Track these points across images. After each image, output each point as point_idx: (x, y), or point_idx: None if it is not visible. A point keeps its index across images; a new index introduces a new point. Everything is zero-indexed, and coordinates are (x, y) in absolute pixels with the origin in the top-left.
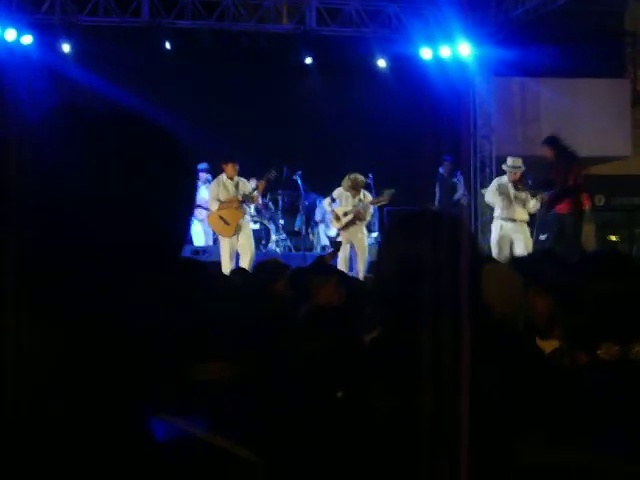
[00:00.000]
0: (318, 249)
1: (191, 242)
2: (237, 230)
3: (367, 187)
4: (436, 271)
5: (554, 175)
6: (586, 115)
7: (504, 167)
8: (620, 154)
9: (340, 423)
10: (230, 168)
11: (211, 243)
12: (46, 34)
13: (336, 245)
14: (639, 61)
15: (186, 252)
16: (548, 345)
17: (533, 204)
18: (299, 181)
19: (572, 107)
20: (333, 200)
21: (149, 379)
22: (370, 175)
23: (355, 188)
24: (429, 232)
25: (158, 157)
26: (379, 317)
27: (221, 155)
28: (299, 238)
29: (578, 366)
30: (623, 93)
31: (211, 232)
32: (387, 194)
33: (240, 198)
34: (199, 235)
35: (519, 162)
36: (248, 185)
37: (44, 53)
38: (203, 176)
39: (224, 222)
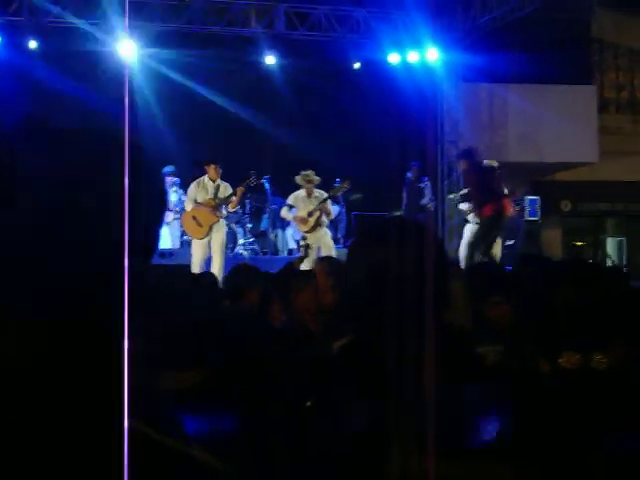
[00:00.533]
0: (285, 252)
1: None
2: (209, 233)
3: (332, 192)
4: (404, 279)
5: (466, 186)
6: (553, 121)
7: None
8: (587, 160)
9: (309, 431)
10: (212, 170)
11: (178, 246)
12: (14, 35)
13: (304, 249)
14: (605, 68)
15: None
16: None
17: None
18: (266, 185)
19: (539, 113)
20: (290, 207)
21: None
22: (338, 180)
23: (310, 182)
24: (397, 240)
25: (124, 166)
26: (348, 324)
27: (195, 156)
28: (266, 241)
29: (540, 374)
30: (590, 100)
31: (178, 235)
32: (341, 185)
33: (217, 202)
34: (165, 237)
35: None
36: (229, 189)
37: (13, 54)
38: (170, 179)
39: (197, 223)
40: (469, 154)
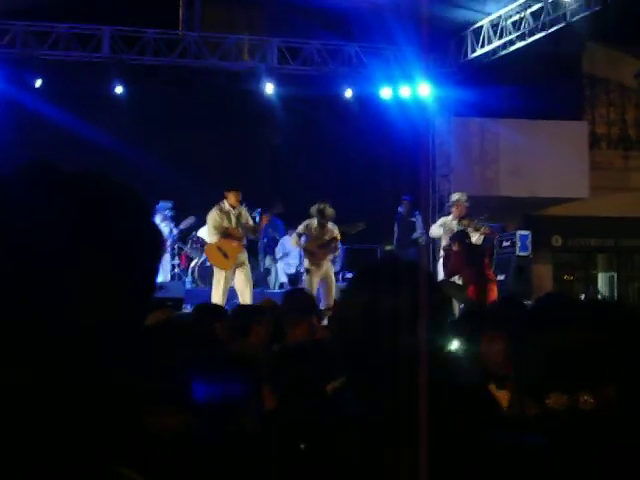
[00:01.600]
0: (276, 286)
1: None
2: (235, 264)
3: (347, 233)
4: (399, 321)
5: (455, 266)
6: (544, 156)
7: (447, 204)
8: (577, 195)
9: (303, 476)
10: (233, 196)
11: (169, 279)
12: (7, 68)
13: (294, 282)
14: (597, 103)
15: None
16: (502, 395)
17: (476, 238)
18: (257, 218)
19: (530, 148)
20: (299, 235)
21: (108, 429)
22: (354, 223)
23: (323, 216)
24: (393, 282)
25: (123, 216)
26: (341, 366)
27: (189, 187)
28: (257, 274)
29: (527, 417)
30: (581, 135)
31: (169, 268)
32: (358, 225)
33: (241, 231)
34: None
35: (461, 196)
36: (249, 217)
37: (5, 87)
38: (162, 214)
39: (223, 254)
40: (461, 237)
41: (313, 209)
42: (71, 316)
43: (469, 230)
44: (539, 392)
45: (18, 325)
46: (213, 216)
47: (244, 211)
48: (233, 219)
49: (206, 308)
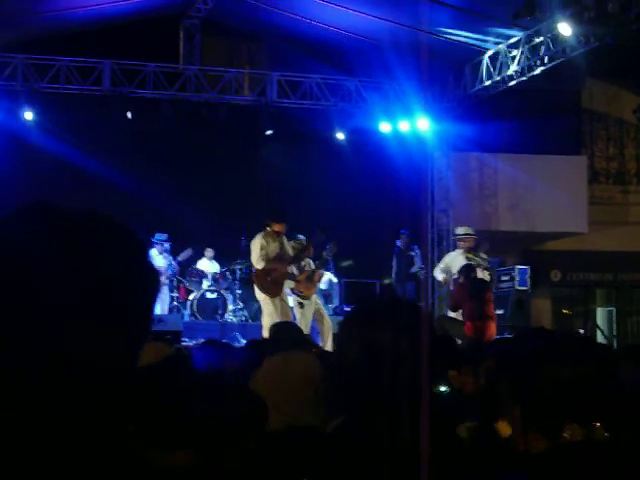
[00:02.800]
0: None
1: None
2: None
3: (324, 258)
4: (398, 358)
5: (458, 300)
6: (543, 191)
7: (453, 238)
8: (576, 230)
9: None
10: (279, 226)
11: (166, 312)
12: (7, 100)
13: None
14: (596, 138)
15: None
16: (503, 428)
17: (482, 276)
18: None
19: (529, 183)
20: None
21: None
22: (327, 247)
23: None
24: (390, 319)
25: (120, 256)
26: (342, 404)
27: (185, 220)
28: (255, 307)
29: (536, 451)
30: (580, 170)
31: (168, 300)
32: (330, 248)
33: (289, 259)
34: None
35: (467, 230)
36: (289, 247)
37: (6, 119)
38: (160, 247)
39: (273, 281)
40: (467, 270)
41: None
42: (67, 352)
43: (474, 264)
44: (553, 426)
45: (18, 358)
46: (258, 242)
47: (285, 241)
48: (276, 247)
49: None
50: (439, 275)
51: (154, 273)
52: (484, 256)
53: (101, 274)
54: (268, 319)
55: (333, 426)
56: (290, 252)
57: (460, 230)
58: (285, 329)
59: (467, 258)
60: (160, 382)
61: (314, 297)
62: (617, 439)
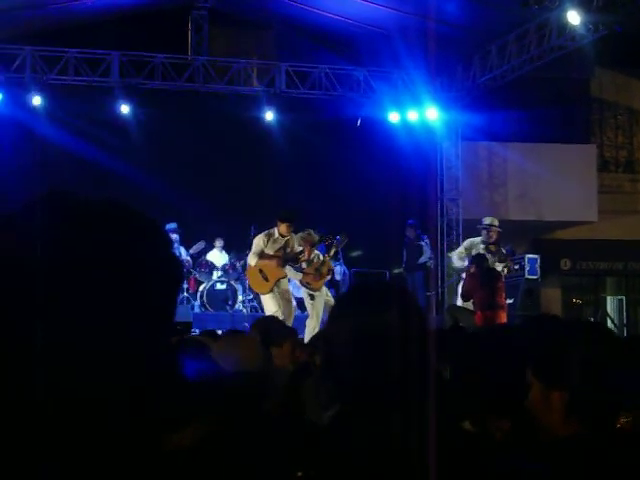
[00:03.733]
0: None
1: None
2: (274, 287)
3: (334, 249)
4: (391, 345)
5: (469, 289)
6: (553, 180)
7: (479, 226)
8: (586, 219)
9: None
10: (285, 227)
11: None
12: (16, 92)
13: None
14: (605, 127)
15: None
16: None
17: (500, 269)
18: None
19: (539, 172)
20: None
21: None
22: (337, 237)
23: (308, 243)
24: (379, 304)
25: (143, 245)
26: (336, 394)
27: (194, 212)
28: None
29: (575, 439)
30: (589, 158)
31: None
32: (341, 239)
33: (285, 256)
34: None
35: (493, 220)
36: (297, 247)
37: (15, 110)
38: (171, 236)
39: (263, 277)
40: (479, 260)
41: (297, 238)
42: (88, 345)
43: (493, 260)
44: (607, 416)
45: (38, 351)
46: (257, 241)
47: (292, 239)
48: (280, 245)
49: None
50: (457, 261)
51: (176, 264)
52: (504, 251)
53: (122, 264)
54: (269, 313)
55: (328, 416)
56: (296, 250)
57: (486, 220)
58: (265, 322)
59: (487, 249)
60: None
61: (324, 289)
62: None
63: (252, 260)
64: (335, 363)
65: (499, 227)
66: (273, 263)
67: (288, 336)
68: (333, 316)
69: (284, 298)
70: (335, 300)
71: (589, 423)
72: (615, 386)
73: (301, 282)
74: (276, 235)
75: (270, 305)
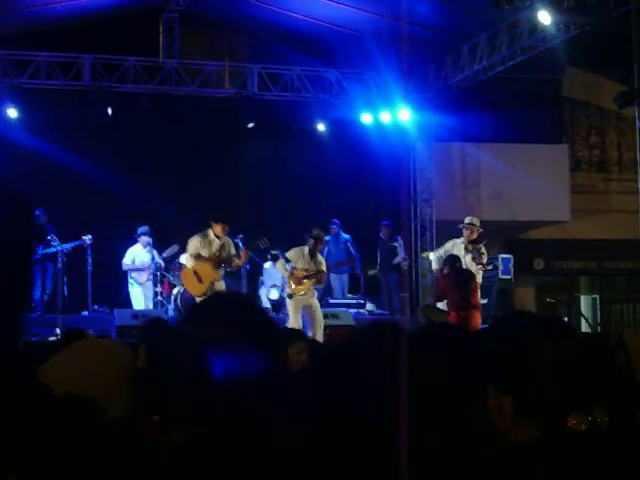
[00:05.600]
0: None
1: (130, 306)
2: (210, 290)
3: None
4: (233, 354)
5: (443, 290)
6: (525, 180)
7: (460, 226)
8: (559, 219)
9: None
10: (219, 228)
11: (151, 306)
12: None
13: (277, 308)
14: (577, 126)
15: (126, 316)
16: None
17: (475, 269)
18: (240, 244)
19: (511, 172)
20: (287, 261)
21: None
22: (311, 240)
23: (318, 243)
24: (219, 314)
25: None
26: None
27: (167, 215)
28: None
29: (527, 442)
30: (562, 158)
31: (152, 295)
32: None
33: (220, 258)
34: (138, 298)
35: (472, 220)
36: (233, 248)
37: None
38: (144, 239)
39: (197, 279)
40: (452, 261)
41: (314, 233)
42: None
43: (470, 259)
44: (556, 414)
45: None
46: (193, 242)
47: (228, 242)
48: (215, 247)
49: None
50: (435, 263)
51: (28, 233)
52: (483, 250)
53: None
54: None
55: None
56: (232, 252)
57: (466, 219)
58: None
59: (466, 249)
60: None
61: (310, 293)
62: (617, 427)
63: (188, 261)
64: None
65: (477, 226)
66: (208, 265)
67: None
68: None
69: None
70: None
71: (539, 427)
72: (567, 387)
73: (291, 276)
74: (211, 236)
75: None
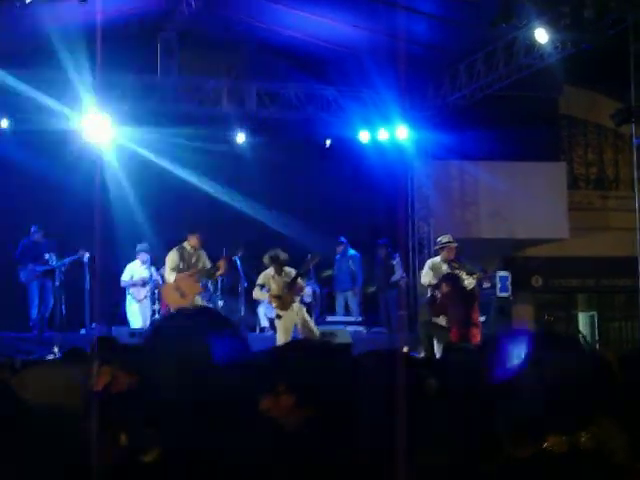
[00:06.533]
0: (257, 330)
1: (128, 324)
2: (193, 304)
3: (305, 267)
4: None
5: (442, 306)
6: (523, 198)
7: (436, 247)
8: (557, 236)
9: None
10: (194, 239)
11: (148, 324)
12: None
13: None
14: (575, 144)
15: (123, 334)
16: None
17: (468, 282)
18: (238, 263)
19: (509, 190)
20: (262, 287)
21: None
22: (308, 256)
23: (277, 262)
24: (199, 329)
25: None
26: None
27: (166, 234)
28: (237, 318)
29: (517, 460)
30: (559, 176)
31: (149, 313)
32: (311, 258)
33: (198, 272)
34: (136, 315)
35: (450, 238)
36: (207, 261)
37: None
38: (143, 256)
39: (180, 294)
40: (451, 279)
41: (265, 258)
42: None
43: (461, 274)
44: (537, 434)
45: None
46: (171, 256)
47: (203, 255)
48: (193, 260)
49: None
50: (425, 278)
51: None
52: (469, 265)
53: None
54: None
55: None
56: (207, 265)
57: (443, 239)
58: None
59: (452, 267)
60: None
61: (296, 307)
62: (603, 448)
63: (170, 276)
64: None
65: (453, 242)
66: (190, 279)
67: None
68: (150, 344)
69: None
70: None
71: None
72: (548, 408)
73: (268, 302)
74: (188, 248)
75: None
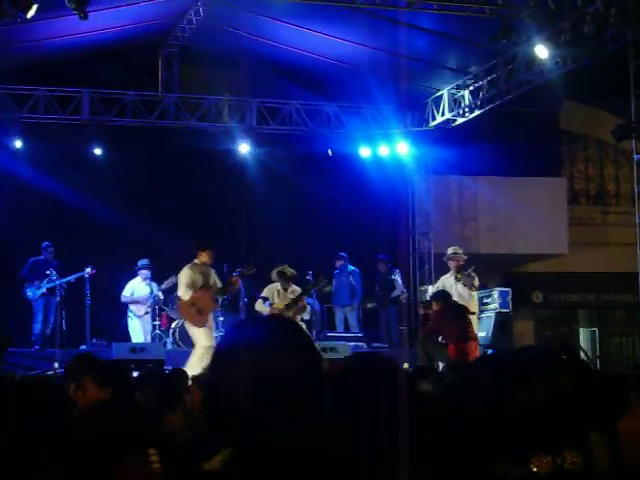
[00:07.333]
0: None
1: (129, 339)
2: (208, 320)
3: (310, 287)
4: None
5: (437, 326)
6: (523, 213)
7: (445, 259)
8: (557, 251)
9: None
10: (206, 255)
11: (149, 340)
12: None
13: None
14: (575, 160)
15: (123, 349)
16: None
17: (468, 295)
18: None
19: (509, 205)
20: (265, 300)
21: None
22: (310, 272)
23: (284, 278)
24: (290, 344)
25: None
26: (222, 440)
27: (165, 248)
28: None
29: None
30: (559, 191)
31: (150, 329)
32: (319, 279)
33: (215, 290)
34: (137, 331)
35: (458, 249)
36: (216, 277)
37: None
38: (144, 273)
39: (197, 311)
40: (443, 296)
41: (273, 273)
42: None
43: (461, 284)
44: (522, 454)
45: None
46: (186, 273)
47: (213, 272)
48: (204, 277)
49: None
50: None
51: None
52: (473, 274)
53: None
54: (201, 346)
55: (219, 462)
56: (217, 282)
57: (449, 250)
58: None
59: (456, 278)
60: None
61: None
62: (591, 468)
63: (186, 294)
64: (224, 406)
65: (461, 253)
66: (206, 296)
67: None
68: (229, 355)
69: (212, 331)
70: (229, 335)
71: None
72: (533, 427)
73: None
74: (200, 266)
75: (204, 339)
